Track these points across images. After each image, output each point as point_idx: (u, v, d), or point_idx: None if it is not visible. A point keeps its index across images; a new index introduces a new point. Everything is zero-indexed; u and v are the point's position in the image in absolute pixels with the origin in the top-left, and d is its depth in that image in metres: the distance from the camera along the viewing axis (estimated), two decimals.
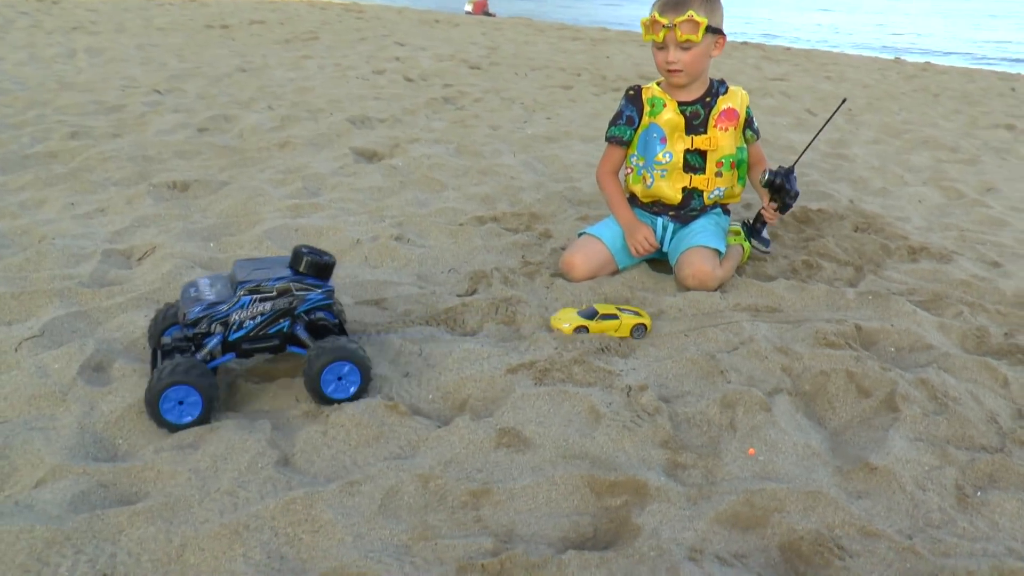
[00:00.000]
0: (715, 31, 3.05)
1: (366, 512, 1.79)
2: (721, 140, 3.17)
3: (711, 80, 3.24)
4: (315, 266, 2.26)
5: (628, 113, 3.23)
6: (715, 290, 3.01)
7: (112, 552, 1.68)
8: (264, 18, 12.17)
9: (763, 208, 3.21)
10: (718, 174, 3.19)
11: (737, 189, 3.28)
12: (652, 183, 3.21)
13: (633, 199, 3.32)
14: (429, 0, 25.55)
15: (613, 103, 6.75)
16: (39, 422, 2.12)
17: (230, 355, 2.23)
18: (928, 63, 11.48)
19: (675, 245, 3.20)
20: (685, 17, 2.95)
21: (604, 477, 1.93)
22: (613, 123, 3.26)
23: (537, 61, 9.05)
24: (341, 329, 2.32)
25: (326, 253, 2.31)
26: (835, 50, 14.39)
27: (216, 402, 2.12)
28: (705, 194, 3.21)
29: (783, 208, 3.17)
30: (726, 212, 3.36)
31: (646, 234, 3.15)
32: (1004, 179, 4.96)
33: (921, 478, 2.02)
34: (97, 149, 4.65)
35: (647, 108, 3.20)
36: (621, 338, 2.64)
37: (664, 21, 2.98)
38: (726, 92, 3.23)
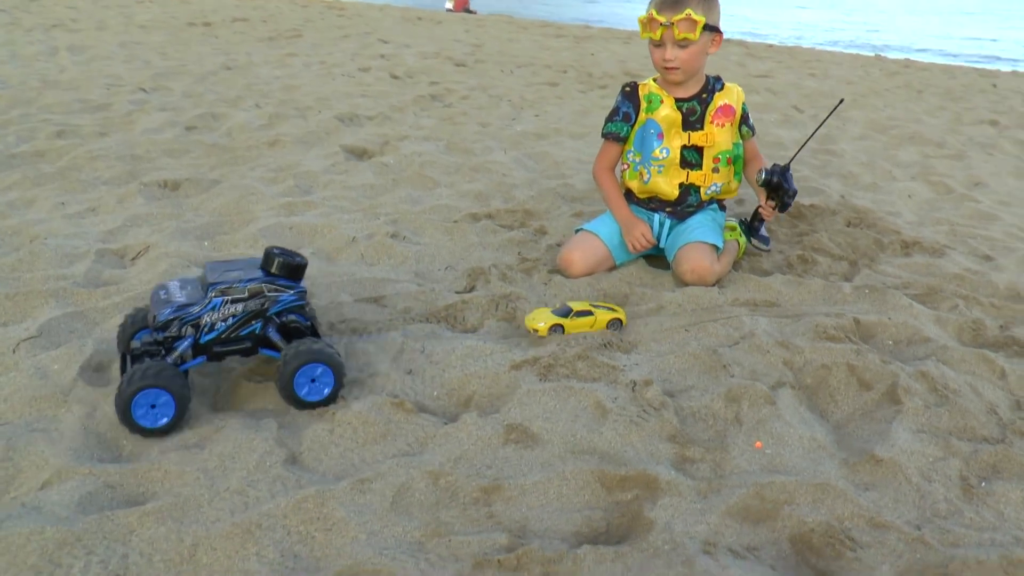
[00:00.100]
0: (712, 29, 3.07)
1: (378, 509, 1.78)
2: (718, 136, 3.18)
3: (707, 77, 3.25)
4: (287, 267, 2.23)
5: (625, 109, 3.23)
6: (713, 285, 3.02)
7: (124, 553, 1.67)
8: (246, 16, 12.08)
9: (760, 206, 3.22)
10: (715, 170, 3.20)
11: (733, 185, 3.29)
12: (649, 179, 3.21)
13: (629, 195, 3.33)
14: None
15: (601, 100, 6.76)
16: (41, 424, 2.09)
17: (201, 358, 2.19)
18: (909, 60, 11.56)
19: (672, 241, 3.21)
20: (683, 15, 2.96)
21: (614, 472, 1.93)
22: (610, 119, 3.27)
23: (522, 58, 9.04)
24: (313, 331, 2.29)
25: (298, 254, 2.28)
26: (816, 47, 14.46)
27: (189, 404, 2.07)
28: (702, 190, 3.22)
29: (782, 207, 3.18)
30: (722, 208, 3.37)
31: (643, 231, 3.15)
32: (991, 174, 5.00)
33: (926, 469, 2.04)
34: (85, 148, 4.60)
35: (644, 104, 3.21)
36: (607, 333, 2.64)
37: (662, 19, 2.98)
38: (722, 88, 3.24)
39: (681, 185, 3.21)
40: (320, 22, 11.78)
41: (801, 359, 2.53)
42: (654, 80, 3.25)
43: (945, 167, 5.06)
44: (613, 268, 3.18)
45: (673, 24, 2.99)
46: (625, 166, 3.29)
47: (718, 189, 3.25)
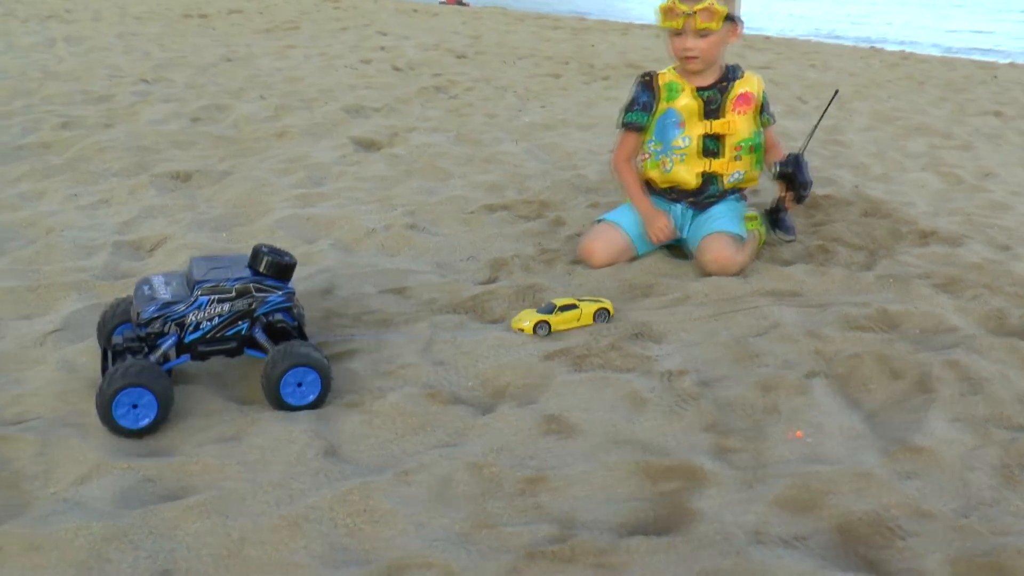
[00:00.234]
0: (732, 18, 3.06)
1: (424, 501, 1.76)
2: (738, 124, 3.17)
3: (726, 65, 3.24)
4: (276, 266, 2.17)
5: (644, 99, 3.21)
6: (736, 275, 3.01)
7: (170, 548, 1.64)
8: (241, 7, 12.01)
9: (782, 196, 3.20)
10: (737, 158, 3.19)
11: (755, 173, 3.28)
12: (670, 168, 3.20)
13: (650, 186, 3.31)
14: None
15: (605, 91, 6.74)
16: (73, 418, 2.07)
17: (185, 357, 2.14)
18: (908, 52, 11.57)
19: (694, 231, 3.19)
20: (705, 5, 2.95)
21: (657, 462, 1.92)
22: (628, 109, 3.25)
23: (522, 50, 9.01)
24: (300, 332, 2.24)
25: (287, 253, 2.22)
26: (812, 39, 14.46)
27: (171, 404, 2.02)
28: (724, 178, 3.20)
29: (798, 199, 3.17)
30: (743, 197, 3.36)
31: (665, 221, 3.14)
32: (1000, 164, 5.00)
33: (966, 458, 2.03)
34: (92, 139, 4.56)
35: (664, 93, 3.19)
36: (637, 323, 2.62)
37: (683, 8, 2.97)
38: (742, 77, 3.23)
39: (703, 174, 3.19)
40: (316, 14, 11.72)
41: (832, 348, 2.52)
42: (673, 69, 3.24)
43: (954, 158, 5.06)
44: (634, 258, 3.16)
45: (695, 13, 2.98)
46: (645, 156, 3.27)
47: (740, 177, 3.24)
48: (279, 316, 2.19)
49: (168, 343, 2.09)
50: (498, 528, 1.69)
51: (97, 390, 1.97)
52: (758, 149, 3.25)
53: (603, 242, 3.09)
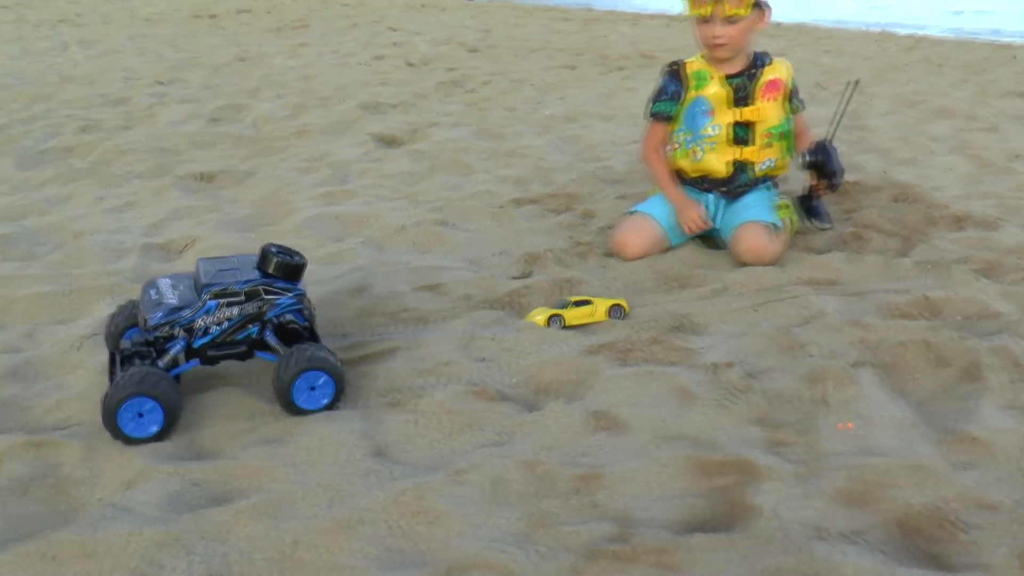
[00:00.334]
0: (760, 4, 3.02)
1: (478, 501, 1.73)
2: (768, 111, 3.13)
3: (754, 52, 3.20)
4: (285, 267, 2.10)
5: (672, 88, 3.18)
6: (772, 264, 2.98)
7: (223, 552, 1.62)
8: (250, 7, 11.98)
9: (813, 184, 3.16)
10: (767, 145, 3.15)
11: (785, 160, 3.24)
12: (700, 157, 3.16)
13: (680, 176, 3.27)
14: None
15: (622, 82, 6.69)
16: None
17: (194, 362, 2.09)
18: (923, 35, 11.47)
19: (727, 221, 3.16)
20: None
21: (710, 457, 1.88)
22: (656, 99, 3.21)
23: (534, 42, 8.96)
24: (312, 333, 2.18)
25: (296, 253, 2.16)
26: (821, 24, 14.35)
27: (180, 413, 1.98)
28: (756, 166, 3.16)
29: (832, 187, 3.12)
30: (774, 185, 3.32)
31: (698, 211, 3.11)
32: None
33: (1023, 446, 1.99)
34: (112, 142, 4.55)
35: (692, 82, 3.15)
36: (676, 315, 2.58)
37: None
38: (770, 63, 3.20)
39: (734, 163, 3.16)
40: (325, 12, 11.68)
41: (876, 337, 2.47)
42: (701, 57, 3.20)
43: (981, 140, 5.00)
44: (668, 250, 3.13)
45: (723, 0, 2.94)
46: (675, 146, 3.23)
47: (771, 164, 3.20)
48: (290, 317, 2.14)
49: (177, 348, 2.05)
50: (555, 527, 1.67)
51: (103, 397, 1.92)
52: (788, 136, 3.22)
53: (636, 234, 3.06)
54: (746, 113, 3.12)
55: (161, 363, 2.02)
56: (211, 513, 1.72)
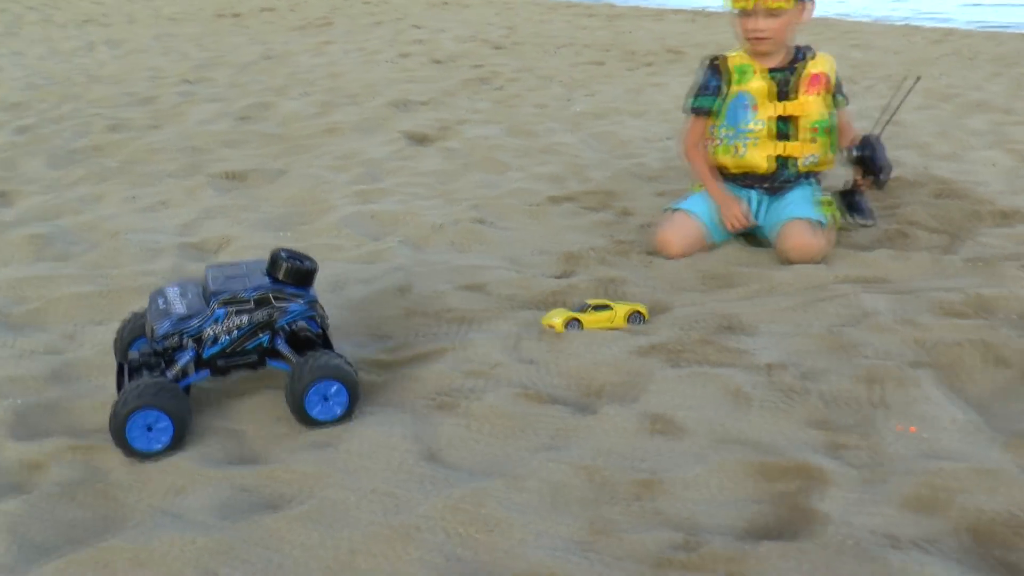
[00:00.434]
0: None
1: (538, 508, 1.69)
2: (811, 105, 3.07)
3: (795, 46, 3.14)
4: (296, 273, 2.03)
5: (714, 83, 3.13)
6: (818, 262, 2.92)
7: (279, 561, 1.58)
8: (273, 5, 11.99)
9: (857, 179, 3.10)
10: (811, 140, 3.09)
11: (830, 156, 3.18)
12: (743, 153, 3.10)
13: (721, 172, 3.21)
14: None
15: (649, 78, 6.63)
16: None
17: (204, 372, 2.03)
18: (951, 28, 11.32)
19: (770, 218, 3.10)
20: None
21: (772, 462, 1.83)
22: (697, 94, 3.16)
23: (559, 39, 8.91)
24: (325, 340, 2.11)
25: (307, 258, 2.09)
26: (845, 18, 14.21)
27: (189, 425, 1.92)
28: (800, 161, 3.10)
29: (878, 183, 3.06)
30: (817, 181, 3.25)
31: (741, 208, 3.05)
32: None
33: None
34: (142, 141, 4.54)
35: (734, 76, 3.10)
36: (724, 316, 2.52)
37: None
38: (813, 57, 3.14)
39: (777, 158, 3.09)
40: (348, 10, 11.67)
41: (930, 337, 2.41)
42: (742, 51, 3.14)
43: (1020, 134, 4.90)
44: (709, 248, 3.07)
45: None
46: (716, 142, 3.17)
47: (815, 160, 3.13)
48: (302, 324, 2.08)
49: (186, 358, 1.98)
50: (619, 535, 1.62)
51: (111, 411, 1.87)
52: (832, 131, 3.16)
53: (679, 232, 3.01)
54: (789, 107, 3.06)
55: (170, 374, 1.96)
56: (264, 520, 1.68)
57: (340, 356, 2.02)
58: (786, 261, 2.94)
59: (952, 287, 2.74)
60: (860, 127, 3.13)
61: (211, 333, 1.99)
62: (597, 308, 2.46)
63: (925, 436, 1.96)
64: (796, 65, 3.10)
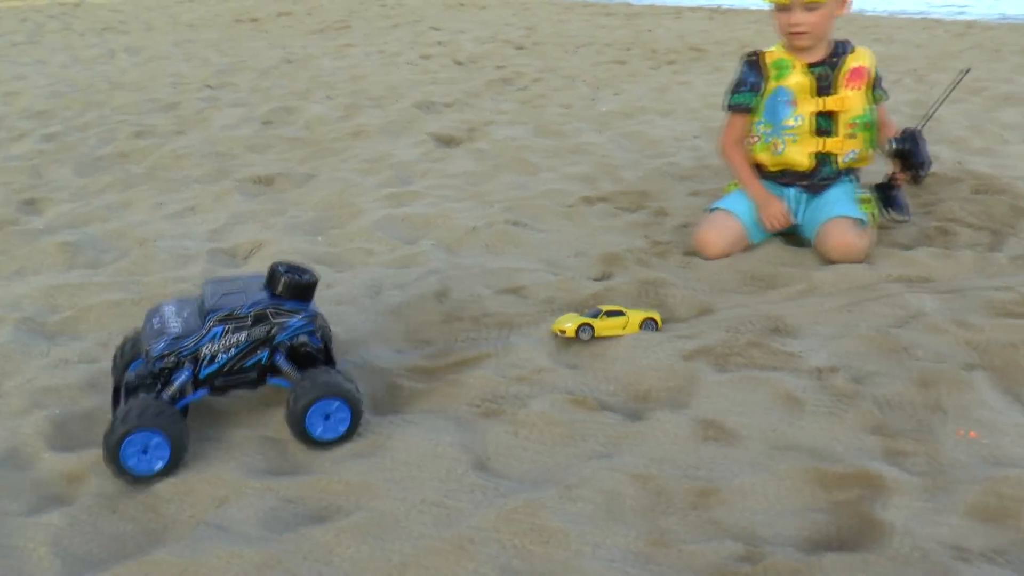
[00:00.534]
0: None
1: (593, 518, 1.64)
2: (852, 100, 3.01)
3: (834, 40, 3.08)
4: (295, 287, 1.96)
5: (752, 80, 3.07)
6: (861, 261, 2.85)
7: (329, 575, 1.54)
8: (290, 10, 11.99)
9: (894, 173, 3.04)
10: (851, 136, 3.02)
11: (868, 152, 3.12)
12: (782, 150, 3.04)
13: (760, 170, 3.15)
14: None
15: (674, 76, 6.57)
16: (201, 436, 1.98)
17: (202, 391, 1.96)
18: (972, 21, 11.20)
19: (810, 217, 3.04)
20: None
21: (830, 469, 1.78)
22: (735, 91, 3.10)
23: (580, 38, 8.86)
24: (328, 355, 2.04)
25: (307, 271, 2.02)
26: (864, 12, 14.08)
27: (186, 446, 1.86)
28: (839, 157, 3.04)
29: (917, 179, 3.00)
30: (856, 179, 3.19)
31: (780, 207, 2.99)
32: None
33: None
34: (167, 147, 4.52)
35: (772, 72, 3.04)
36: (769, 317, 2.47)
37: None
38: (852, 51, 3.08)
39: (817, 155, 3.03)
40: (365, 12, 11.66)
41: (983, 338, 2.35)
42: (780, 46, 3.08)
43: None
44: (749, 247, 3.01)
45: None
46: (754, 139, 3.11)
47: (855, 156, 3.07)
48: (303, 339, 2.01)
49: (182, 378, 1.92)
50: (677, 546, 1.57)
51: (105, 433, 1.81)
52: (872, 126, 3.09)
53: (718, 232, 2.95)
54: (829, 103, 3.00)
55: (166, 395, 1.91)
56: (311, 532, 1.64)
57: (342, 372, 1.96)
58: (828, 261, 2.89)
59: (1000, 286, 2.67)
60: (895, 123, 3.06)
61: (208, 352, 1.93)
62: (610, 314, 2.40)
63: (986, 442, 1.90)
64: (836, 59, 3.04)
